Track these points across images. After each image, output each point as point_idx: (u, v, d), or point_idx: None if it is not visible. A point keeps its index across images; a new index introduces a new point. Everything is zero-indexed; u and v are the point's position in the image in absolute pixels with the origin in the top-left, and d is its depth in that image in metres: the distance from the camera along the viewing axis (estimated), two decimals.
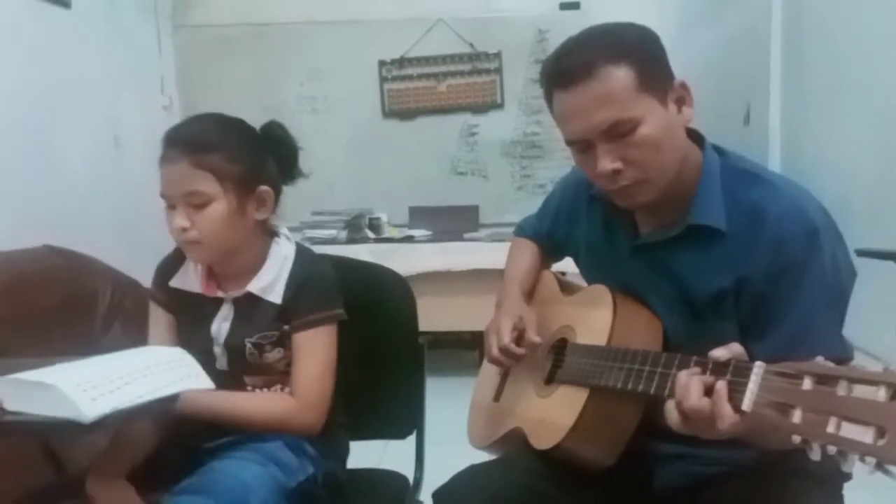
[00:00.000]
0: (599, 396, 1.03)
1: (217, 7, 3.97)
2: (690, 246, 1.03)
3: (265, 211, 1.23)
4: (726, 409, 0.79)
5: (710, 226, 1.00)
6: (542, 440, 1.07)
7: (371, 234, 3.65)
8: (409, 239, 3.63)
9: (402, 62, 3.98)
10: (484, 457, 1.24)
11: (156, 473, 1.14)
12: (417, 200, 3.89)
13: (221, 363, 1.23)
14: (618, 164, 0.97)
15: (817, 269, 0.93)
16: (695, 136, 1.06)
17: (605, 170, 0.97)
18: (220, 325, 1.23)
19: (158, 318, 1.28)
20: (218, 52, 3.94)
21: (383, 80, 4.00)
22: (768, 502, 0.99)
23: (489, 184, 4.05)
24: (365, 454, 1.40)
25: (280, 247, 1.26)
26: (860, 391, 0.63)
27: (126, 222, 3.00)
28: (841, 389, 0.65)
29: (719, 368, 0.82)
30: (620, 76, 0.95)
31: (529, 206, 1.42)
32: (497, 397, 1.32)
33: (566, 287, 1.31)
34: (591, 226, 1.20)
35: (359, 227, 3.66)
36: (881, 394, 0.61)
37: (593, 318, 1.11)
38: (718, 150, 1.07)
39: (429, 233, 3.70)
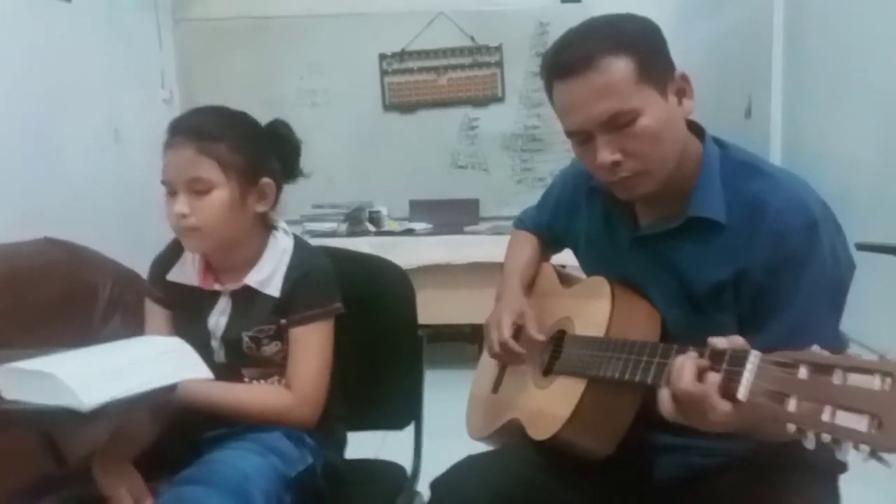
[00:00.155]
0: (597, 387, 1.03)
1: (217, 1, 3.97)
2: (690, 238, 1.03)
3: (265, 204, 1.23)
4: (716, 399, 0.79)
5: (709, 218, 1.00)
6: (540, 431, 1.07)
7: (371, 228, 3.66)
8: (409, 232, 3.63)
9: (402, 55, 3.97)
10: (482, 448, 1.24)
11: (155, 463, 1.15)
12: (418, 194, 3.89)
13: (219, 356, 1.23)
14: (617, 156, 0.97)
15: (817, 263, 0.93)
16: (695, 129, 1.06)
17: (604, 161, 0.97)
18: (218, 319, 1.23)
19: (155, 314, 1.28)
20: (218, 46, 3.94)
21: (384, 73, 3.99)
22: (766, 493, 0.99)
23: (490, 177, 4.05)
24: (364, 445, 1.41)
25: (278, 240, 1.26)
26: (855, 380, 0.64)
27: (126, 215, 3.01)
28: (836, 378, 0.65)
29: (716, 356, 0.82)
30: (621, 67, 0.94)
31: (530, 199, 1.42)
32: (496, 389, 1.32)
33: (565, 279, 1.31)
34: (591, 218, 1.20)
35: (359, 220, 3.66)
36: (876, 382, 0.62)
37: (592, 310, 1.11)
38: (718, 143, 1.07)
39: (429, 226, 3.70)
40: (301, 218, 3.52)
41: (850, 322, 0.99)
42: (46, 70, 2.68)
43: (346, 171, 3.87)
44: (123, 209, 3.02)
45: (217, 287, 1.24)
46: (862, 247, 2.27)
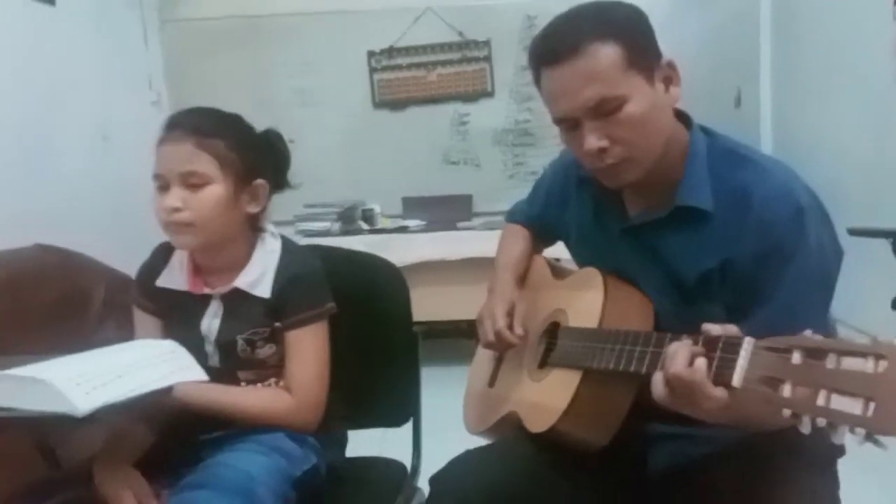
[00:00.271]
0: (592, 378, 1.03)
1: (203, 1, 3.95)
2: (678, 227, 1.03)
3: (257, 205, 1.23)
4: (709, 385, 0.79)
5: (697, 207, 1.00)
6: (537, 423, 1.08)
7: (365, 226, 3.65)
8: (402, 229, 3.63)
9: (391, 52, 3.96)
10: (480, 443, 1.24)
11: (154, 465, 1.15)
12: (410, 191, 3.88)
13: (213, 360, 1.22)
14: (604, 143, 0.97)
15: (804, 251, 0.93)
16: (682, 117, 1.06)
17: (591, 148, 0.97)
18: (211, 323, 1.22)
19: (145, 323, 1.27)
20: (206, 46, 3.92)
21: (373, 70, 3.98)
22: (762, 482, 0.99)
23: (482, 172, 4.04)
24: (364, 443, 1.41)
25: (266, 242, 1.26)
26: (849, 363, 0.64)
27: (116, 218, 2.99)
28: (830, 362, 0.65)
29: (710, 343, 0.82)
30: (608, 53, 0.94)
31: (522, 193, 1.42)
32: (492, 383, 1.32)
33: (558, 271, 1.31)
34: (581, 208, 1.20)
35: (352, 218, 3.66)
36: (869, 365, 0.62)
37: (584, 301, 1.11)
38: (706, 131, 1.07)
39: (422, 223, 3.70)
40: (294, 218, 3.51)
41: (843, 306, 0.99)
42: (32, 74, 2.66)
43: (337, 170, 3.86)
44: (113, 212, 3.00)
45: (207, 290, 1.23)
46: (854, 231, 2.28)
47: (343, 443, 1.36)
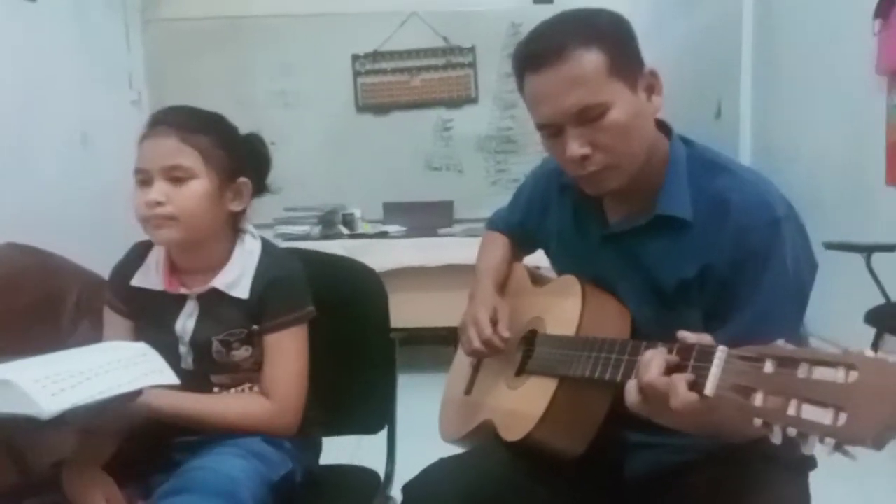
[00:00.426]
0: (568, 386, 1.03)
1: (186, 1, 3.93)
2: (658, 235, 1.03)
3: (240, 203, 1.22)
4: (682, 392, 0.79)
5: (676, 216, 1.01)
6: (512, 432, 1.07)
7: (345, 230, 3.64)
8: (383, 234, 3.62)
9: (375, 56, 3.96)
10: (456, 451, 1.23)
11: (125, 468, 1.13)
12: (392, 196, 3.88)
13: (187, 362, 1.21)
14: (586, 149, 0.97)
15: (779, 260, 0.94)
16: (662, 127, 1.07)
17: (573, 154, 0.98)
18: (185, 323, 1.21)
19: (114, 324, 1.25)
20: (188, 47, 3.90)
21: (357, 74, 3.98)
22: (737, 490, 1.00)
23: (464, 179, 4.05)
24: (338, 450, 1.39)
25: (245, 243, 1.24)
26: (820, 373, 0.64)
27: (94, 219, 2.95)
28: (801, 372, 0.65)
29: (684, 351, 0.82)
30: (592, 60, 0.95)
31: (504, 200, 1.42)
32: (468, 390, 1.32)
33: (537, 279, 1.31)
34: (562, 216, 1.20)
35: (332, 222, 3.64)
36: (840, 375, 0.62)
37: (563, 309, 1.11)
38: (685, 141, 1.08)
39: (403, 228, 3.69)
40: (274, 221, 3.49)
41: (817, 318, 1.00)
42: (11, 72, 2.63)
43: (318, 174, 3.85)
44: (91, 212, 2.96)
45: (183, 291, 1.21)
46: (829, 245, 2.31)
47: (318, 449, 1.35)
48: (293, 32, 3.93)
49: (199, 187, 1.15)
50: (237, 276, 1.20)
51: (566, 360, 1.03)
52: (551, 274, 1.27)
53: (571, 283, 1.13)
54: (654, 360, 0.83)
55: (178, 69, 3.84)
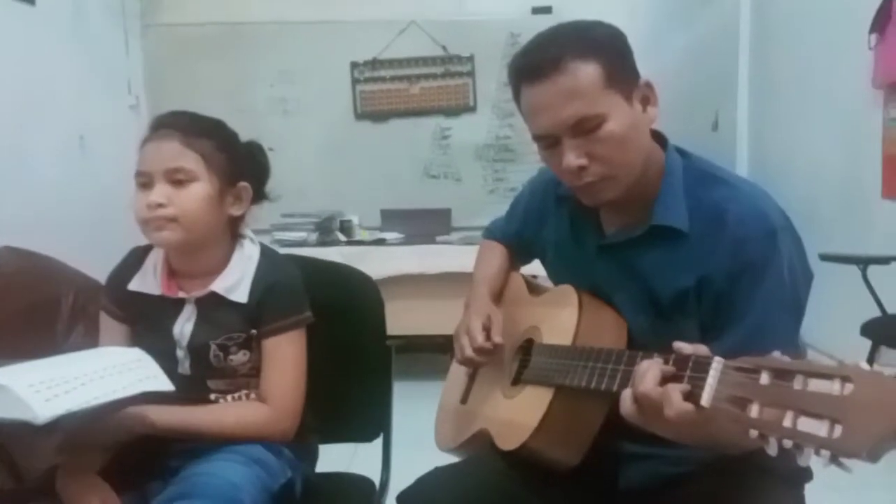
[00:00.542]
0: (564, 396, 1.03)
1: (186, 7, 3.94)
2: (654, 246, 1.04)
3: (240, 207, 1.22)
4: (677, 403, 0.79)
5: (672, 227, 1.01)
6: (508, 441, 1.07)
7: (342, 237, 3.64)
8: (380, 242, 3.62)
9: (374, 64, 3.97)
10: (451, 460, 1.23)
11: (123, 473, 1.12)
12: (389, 203, 3.88)
13: (184, 367, 1.20)
14: (583, 160, 0.98)
15: (775, 271, 0.95)
16: (658, 138, 1.07)
17: (570, 165, 0.98)
18: (183, 327, 1.20)
19: (111, 330, 1.25)
20: (187, 52, 3.90)
21: (355, 81, 3.99)
22: (733, 500, 1.00)
23: (462, 187, 4.06)
24: (335, 458, 1.39)
25: (244, 248, 1.25)
26: (816, 385, 0.64)
27: (92, 223, 2.95)
28: (797, 383, 0.65)
29: (680, 361, 0.82)
30: (588, 71, 0.95)
31: (502, 209, 1.43)
32: (464, 399, 1.31)
33: (534, 288, 1.31)
34: (559, 226, 1.20)
35: (330, 229, 3.64)
36: (835, 387, 0.62)
37: (559, 318, 1.11)
38: (681, 152, 1.08)
39: (401, 236, 3.69)
40: (271, 227, 3.49)
41: (813, 330, 1.00)
42: (9, 75, 2.63)
43: (317, 180, 3.85)
44: (87, 217, 2.96)
45: (181, 295, 1.21)
46: (825, 257, 2.32)
47: (315, 456, 1.34)
48: (292, 39, 3.94)
49: (201, 190, 1.15)
50: (236, 281, 1.20)
51: (562, 370, 1.03)
52: (548, 284, 1.27)
53: (568, 292, 1.13)
54: (649, 371, 0.83)
55: (176, 74, 3.84)
